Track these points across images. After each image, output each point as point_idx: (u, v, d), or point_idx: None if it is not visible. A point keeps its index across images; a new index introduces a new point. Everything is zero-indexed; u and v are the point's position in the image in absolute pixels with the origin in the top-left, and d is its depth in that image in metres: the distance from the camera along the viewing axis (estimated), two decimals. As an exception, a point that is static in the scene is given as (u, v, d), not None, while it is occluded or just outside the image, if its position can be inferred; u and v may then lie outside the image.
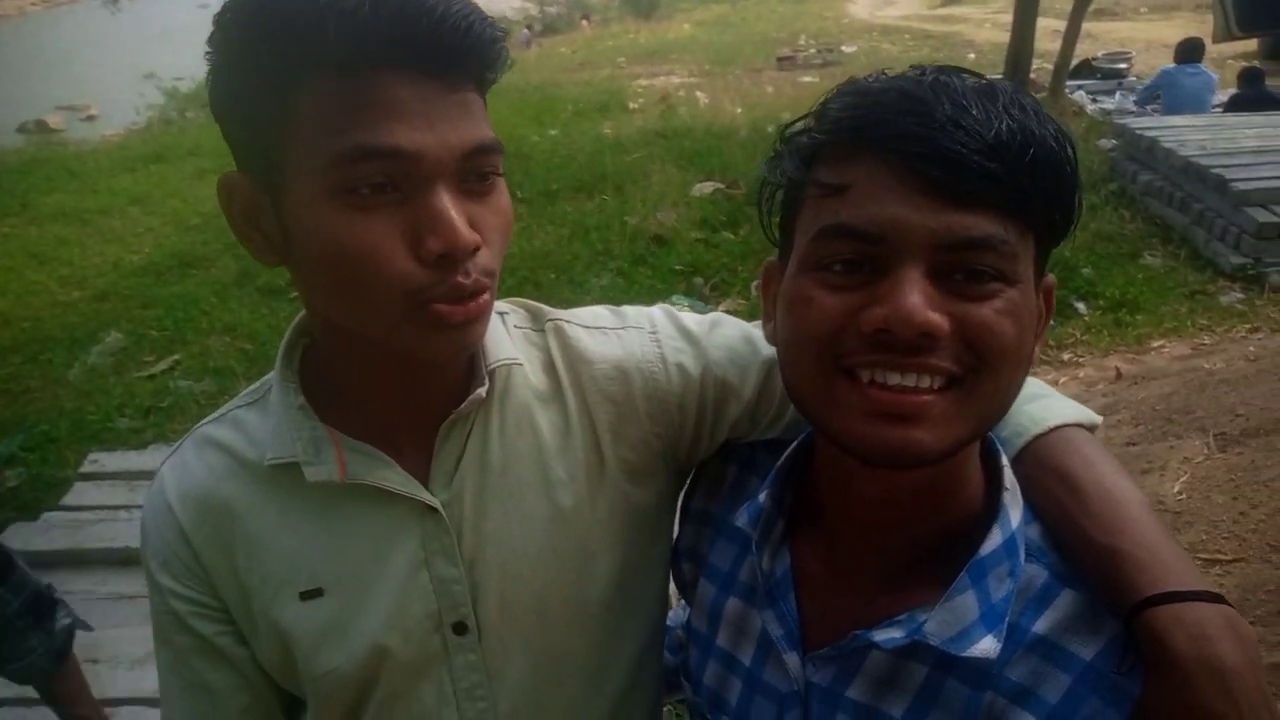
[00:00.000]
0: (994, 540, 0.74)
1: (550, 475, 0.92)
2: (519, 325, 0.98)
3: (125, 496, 3.69)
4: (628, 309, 1.01)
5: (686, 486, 1.04)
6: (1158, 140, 6.78)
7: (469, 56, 0.74)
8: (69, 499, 3.76)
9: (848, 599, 0.81)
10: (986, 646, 0.71)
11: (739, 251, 6.61)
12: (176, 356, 5.73)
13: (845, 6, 26.63)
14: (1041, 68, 11.09)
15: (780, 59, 15.70)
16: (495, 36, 0.76)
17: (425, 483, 0.88)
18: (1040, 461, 0.81)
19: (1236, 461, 3.33)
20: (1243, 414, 3.61)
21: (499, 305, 0.97)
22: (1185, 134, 6.87)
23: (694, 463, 1.01)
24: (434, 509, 0.88)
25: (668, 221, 7.19)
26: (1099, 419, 0.88)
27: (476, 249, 0.75)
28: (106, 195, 9.29)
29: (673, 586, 1.07)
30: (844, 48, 17.30)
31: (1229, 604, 0.70)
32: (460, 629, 0.91)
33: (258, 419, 0.91)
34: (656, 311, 1.01)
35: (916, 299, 0.64)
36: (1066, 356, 5.12)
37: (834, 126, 0.70)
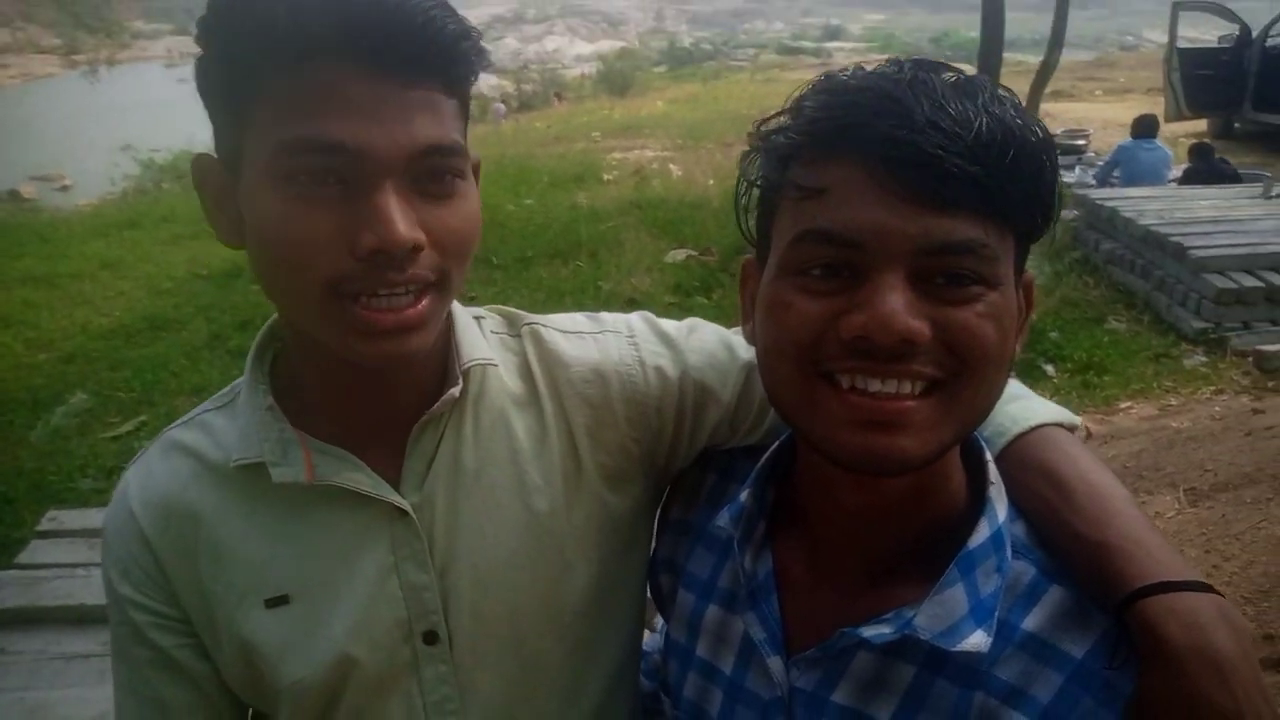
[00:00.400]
0: (982, 534, 0.73)
1: (526, 480, 0.91)
2: (495, 330, 0.97)
3: (84, 554, 3.57)
4: (605, 315, 1.01)
5: (664, 498, 1.02)
6: (1118, 210, 6.99)
7: (427, 52, 0.72)
8: (24, 557, 3.64)
9: (831, 600, 0.79)
10: (977, 641, 0.70)
11: (712, 316, 6.60)
12: (143, 418, 5.64)
13: (813, 87, 27.42)
14: (1003, 144, 11.45)
15: (751, 134, 16.07)
16: (461, 33, 0.75)
17: (396, 485, 0.86)
18: (1023, 459, 0.81)
19: (1207, 516, 3.35)
20: (1211, 469, 3.65)
21: (474, 310, 0.96)
22: (1144, 204, 7.10)
23: (673, 470, 1.00)
24: (404, 512, 0.86)
25: (642, 286, 7.28)
26: (1079, 420, 0.88)
27: (417, 248, 0.73)
28: (78, 260, 9.22)
29: (650, 608, 1.05)
30: (813, 125, 17.78)
31: (1219, 593, 0.69)
32: (431, 638, 0.88)
33: (226, 422, 0.89)
34: (634, 317, 1.01)
35: (896, 306, 0.63)
36: (1037, 417, 5.17)
37: (811, 128, 0.69)
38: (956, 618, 0.71)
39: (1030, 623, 0.72)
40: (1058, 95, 19.70)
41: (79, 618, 3.23)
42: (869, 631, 0.73)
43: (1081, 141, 11.31)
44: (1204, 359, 5.55)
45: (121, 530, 0.89)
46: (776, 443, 0.87)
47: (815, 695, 0.78)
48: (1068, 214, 8.03)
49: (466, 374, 0.89)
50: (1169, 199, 7.36)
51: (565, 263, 8.27)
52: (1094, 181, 8.85)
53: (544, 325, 0.97)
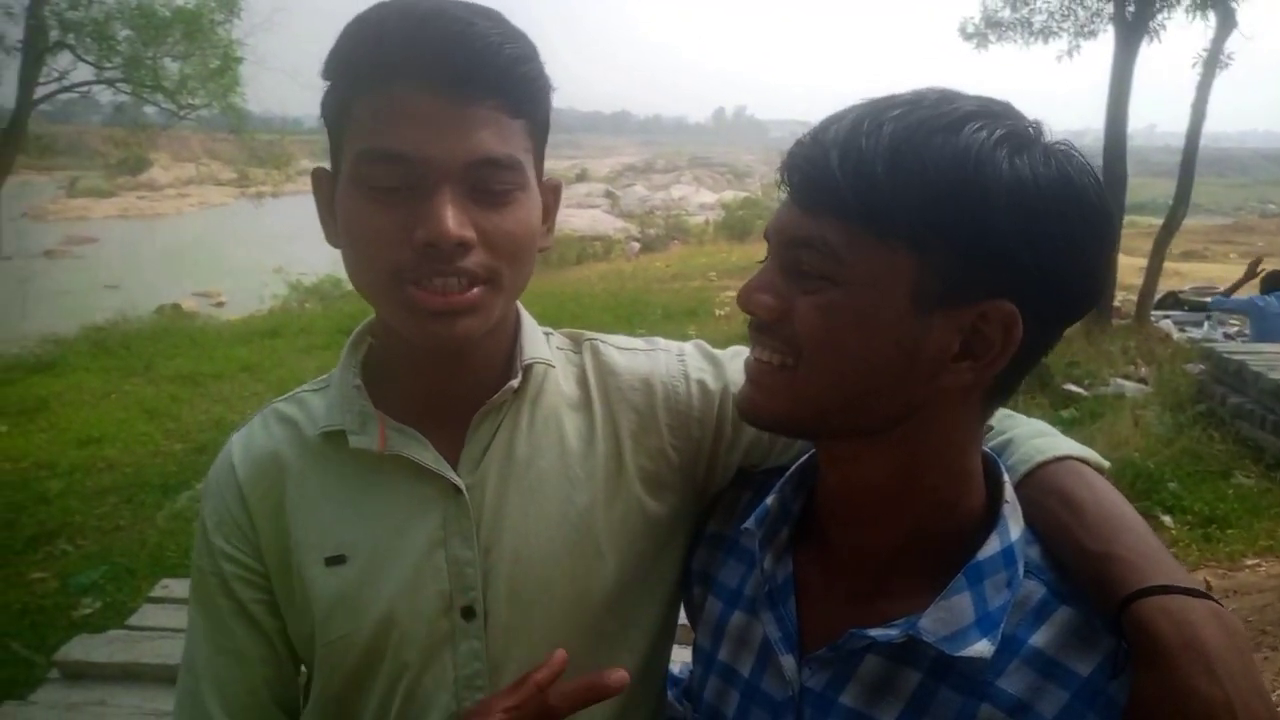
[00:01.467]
0: (992, 547, 0.76)
1: (571, 475, 0.99)
2: (560, 346, 1.08)
3: (186, 619, 3.75)
4: (660, 339, 1.12)
5: (703, 513, 1.07)
6: (1246, 364, 6.68)
7: (484, 74, 0.84)
8: (134, 620, 3.84)
9: (846, 607, 0.83)
10: (981, 649, 0.72)
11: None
12: (259, 506, 5.93)
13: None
14: (1125, 299, 11.20)
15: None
16: (519, 57, 0.86)
17: (454, 466, 0.96)
18: (1043, 484, 0.84)
19: (1336, 674, 3.08)
20: (1342, 627, 3.36)
21: (545, 326, 1.08)
22: (1274, 360, 6.77)
23: (712, 487, 1.06)
24: (459, 491, 0.95)
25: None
26: (1107, 464, 0.90)
27: (466, 245, 0.84)
28: (222, 362, 9.98)
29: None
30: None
31: (1217, 600, 0.70)
32: (468, 614, 0.95)
33: (319, 400, 1.02)
34: (687, 344, 1.11)
35: (755, 284, 0.78)
36: (1152, 568, 4.87)
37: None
38: (962, 625, 0.73)
39: (1038, 639, 0.74)
40: (1189, 256, 19.21)
41: (173, 678, 3.37)
42: (876, 632, 0.76)
43: (1209, 299, 10.97)
44: (1342, 520, 5.15)
45: (221, 485, 1.00)
46: (805, 456, 0.92)
47: (824, 696, 0.80)
48: (1192, 367, 7.73)
49: (527, 370, 0.99)
50: (1301, 355, 6.99)
51: (670, 389, 8.41)
52: (1220, 337, 8.52)
53: (603, 341, 1.08)
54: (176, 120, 11.25)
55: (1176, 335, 9.74)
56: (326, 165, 0.94)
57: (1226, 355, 7.06)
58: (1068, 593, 0.76)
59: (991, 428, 0.93)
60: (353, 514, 0.96)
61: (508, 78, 0.86)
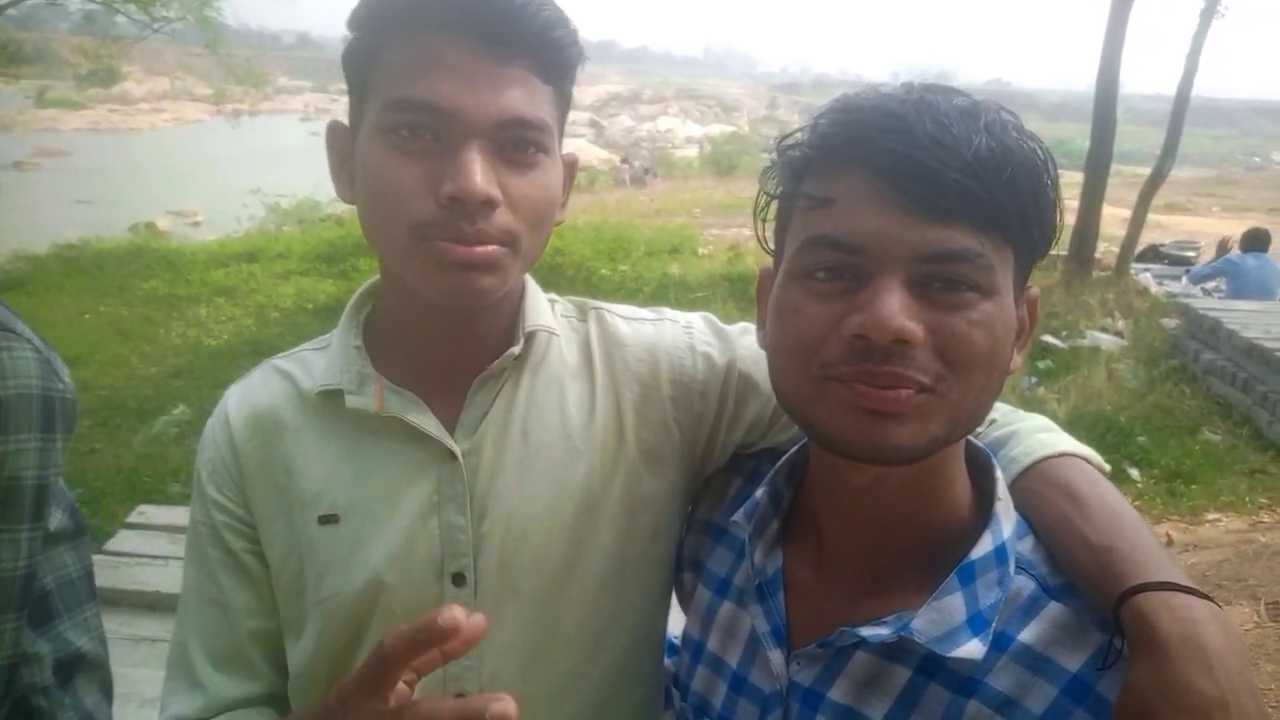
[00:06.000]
0: (985, 546, 0.75)
1: (570, 445, 0.97)
2: (565, 314, 1.06)
3: (165, 547, 3.77)
4: (667, 309, 1.10)
5: (694, 500, 1.06)
6: (1221, 321, 6.77)
7: (521, 32, 0.82)
8: (111, 545, 3.85)
9: (835, 602, 0.82)
10: (972, 649, 0.72)
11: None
12: (236, 433, 5.94)
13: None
14: (1107, 249, 11.23)
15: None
16: (556, 19, 0.84)
17: (452, 432, 0.95)
18: (1046, 477, 0.84)
19: (1287, 630, 3.19)
20: (1296, 584, 3.48)
21: (550, 295, 1.05)
22: (1249, 318, 6.85)
23: (710, 463, 1.05)
24: (454, 456, 0.93)
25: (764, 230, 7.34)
26: (1108, 467, 0.90)
27: (491, 204, 0.82)
28: (198, 285, 9.85)
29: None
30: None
31: (1218, 604, 0.71)
32: (459, 580, 0.94)
33: (319, 359, 1.01)
34: (695, 315, 1.09)
35: (893, 307, 0.67)
36: (1117, 520, 4.99)
37: (821, 142, 0.74)
38: (953, 625, 0.73)
39: (1027, 635, 0.73)
40: (1172, 208, 19.27)
41: (152, 604, 3.40)
42: (867, 631, 0.75)
43: (1190, 253, 11.06)
44: (1304, 478, 5.28)
45: (216, 435, 1.00)
46: (795, 447, 0.91)
47: (812, 691, 0.80)
48: (1168, 322, 7.82)
49: (530, 338, 0.97)
50: (1276, 314, 7.08)
51: (651, 327, 8.42)
52: (1198, 292, 8.60)
53: (609, 310, 1.06)
54: (149, 32, 10.89)
55: (1155, 289, 9.81)
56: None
57: (1202, 312, 7.14)
58: (1057, 588, 0.76)
59: (994, 420, 0.92)
60: (348, 474, 0.95)
61: (544, 39, 0.84)
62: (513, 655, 0.96)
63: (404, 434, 0.94)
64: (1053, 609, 0.75)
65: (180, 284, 9.92)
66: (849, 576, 0.82)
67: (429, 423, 0.93)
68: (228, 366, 7.33)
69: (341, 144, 0.92)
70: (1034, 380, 6.58)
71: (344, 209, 15.71)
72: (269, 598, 1.00)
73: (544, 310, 1.00)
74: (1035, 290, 0.77)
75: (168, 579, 3.47)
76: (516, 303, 0.98)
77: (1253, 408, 6.10)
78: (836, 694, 0.78)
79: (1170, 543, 4.49)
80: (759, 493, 0.87)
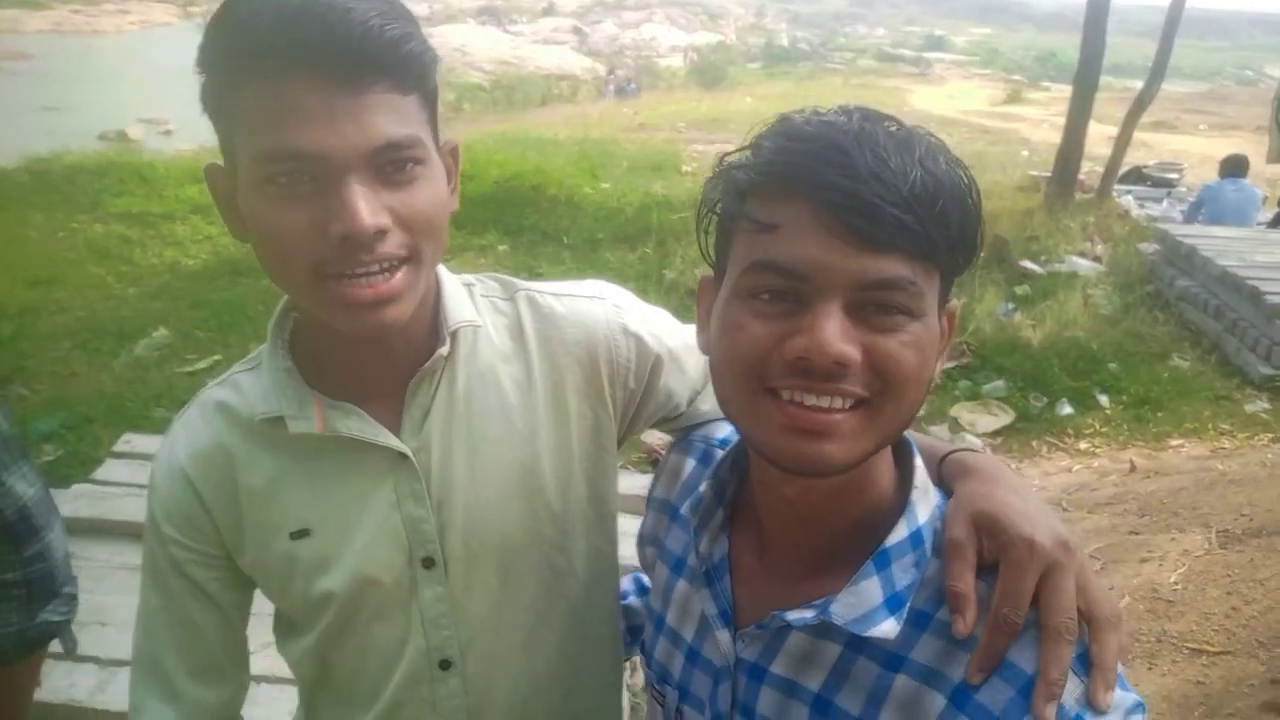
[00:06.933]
0: (899, 533, 0.81)
1: (511, 428, 1.03)
2: (486, 294, 1.08)
3: (150, 476, 3.83)
4: (594, 283, 1.14)
5: (653, 477, 1.13)
6: (1197, 248, 6.84)
7: (371, 58, 0.81)
8: (99, 474, 3.91)
9: (775, 585, 0.89)
10: (886, 628, 0.78)
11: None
12: (217, 356, 5.94)
13: (906, 96, 27.07)
14: (1092, 170, 11.20)
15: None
16: (402, 36, 0.82)
17: (398, 433, 0.99)
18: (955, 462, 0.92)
19: (1236, 559, 3.34)
20: (1248, 514, 3.62)
21: (465, 277, 1.08)
22: (1225, 244, 6.93)
23: (635, 429, 1.14)
24: (405, 456, 0.98)
25: (709, 246, 7.35)
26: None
27: (382, 232, 0.84)
28: (172, 202, 9.68)
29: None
30: (900, 134, 17.54)
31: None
32: (428, 563, 1.01)
33: (253, 381, 1.02)
34: (619, 293, 1.14)
35: (833, 332, 0.72)
36: (1083, 445, 5.13)
37: (767, 168, 0.76)
38: (869, 607, 0.79)
39: (944, 613, 0.79)
40: (1159, 126, 19.11)
41: (138, 533, 3.46)
42: (792, 615, 0.82)
43: (1174, 175, 11.04)
44: (1267, 405, 5.43)
45: (171, 479, 1.01)
46: (737, 440, 0.96)
47: (756, 665, 0.87)
48: (1146, 247, 7.87)
49: (454, 335, 1.00)
50: (1252, 241, 7.16)
51: (633, 248, 8.40)
52: (1179, 217, 8.63)
53: (538, 292, 1.10)
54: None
55: (1136, 212, 9.84)
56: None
57: (1179, 238, 7.20)
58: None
59: None
60: (307, 493, 1.00)
61: (394, 57, 0.83)
62: (484, 621, 1.05)
63: (353, 445, 0.98)
64: None
65: (155, 200, 9.75)
66: (787, 563, 0.89)
67: (376, 431, 0.97)
68: (206, 288, 7.30)
69: (223, 185, 0.91)
70: (1011, 307, 6.65)
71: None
72: (233, 614, 1.07)
73: (463, 305, 1.03)
74: (955, 304, 0.83)
75: (156, 508, 3.54)
76: (434, 302, 1.01)
77: (1222, 334, 6.23)
78: (778, 668, 0.86)
79: (1133, 469, 4.64)
80: (703, 486, 0.93)
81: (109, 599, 3.10)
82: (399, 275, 0.87)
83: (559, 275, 7.52)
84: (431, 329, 1.01)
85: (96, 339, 6.22)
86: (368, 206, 0.82)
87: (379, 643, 1.04)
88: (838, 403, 0.74)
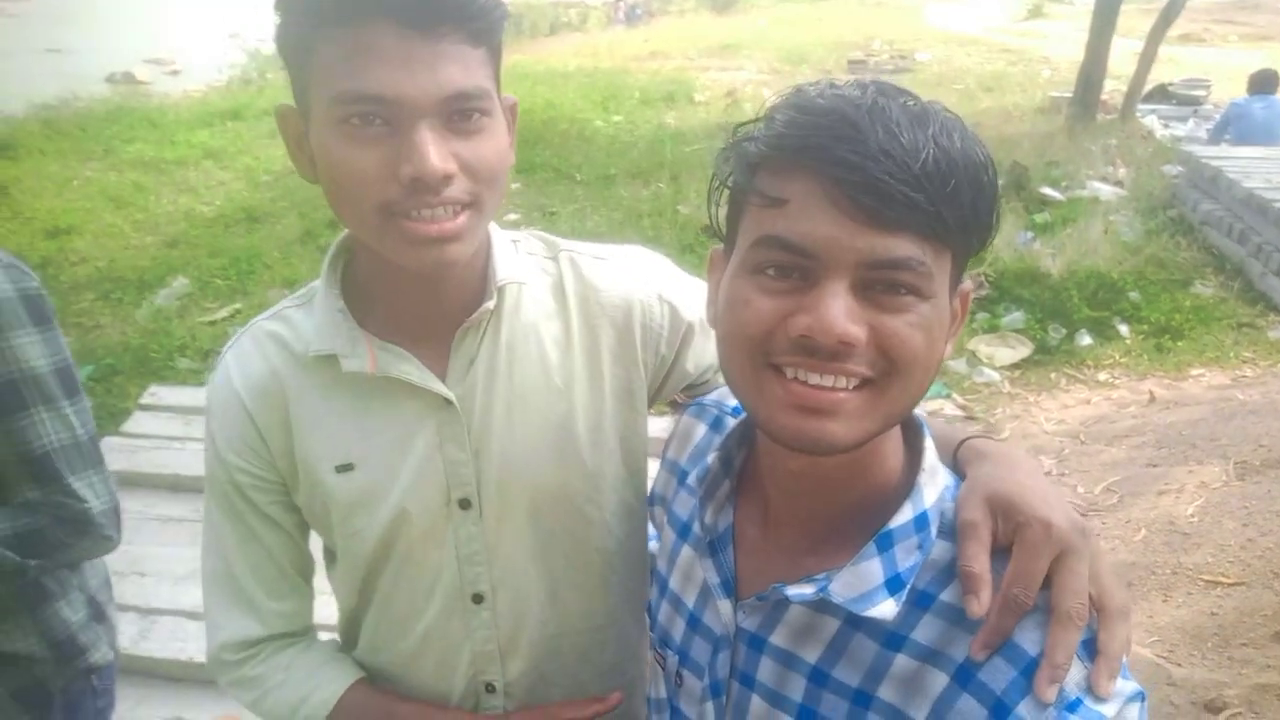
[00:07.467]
0: (904, 515, 0.82)
1: (549, 383, 1.08)
2: (531, 252, 1.13)
3: (180, 428, 3.91)
4: (633, 248, 1.18)
5: (668, 436, 1.15)
6: (1222, 170, 6.68)
7: (447, 10, 0.86)
8: (128, 426, 3.99)
9: (778, 558, 0.90)
10: (885, 609, 0.79)
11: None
12: (237, 305, 6.00)
13: (923, 13, 26.30)
14: (1116, 89, 10.91)
15: (851, 62, 15.59)
16: None
17: (443, 379, 1.05)
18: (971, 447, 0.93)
19: (1253, 490, 3.36)
20: (1266, 445, 3.63)
21: (512, 234, 1.13)
22: (1251, 165, 6.77)
23: (664, 393, 1.18)
24: (449, 401, 1.04)
25: (720, 214, 7.29)
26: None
27: (449, 177, 0.89)
28: (184, 147, 9.65)
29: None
30: (918, 55, 17.11)
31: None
32: (464, 504, 1.07)
33: (304, 317, 1.08)
34: (657, 260, 1.18)
35: (838, 311, 0.71)
36: (1103, 377, 5.12)
37: (778, 142, 0.75)
38: (869, 587, 0.80)
39: (948, 595, 0.80)
40: (1186, 39, 18.52)
41: (173, 485, 3.57)
42: (792, 591, 0.83)
43: (1200, 92, 10.74)
44: (1290, 332, 5.38)
45: (228, 407, 1.07)
46: (746, 414, 0.96)
47: (756, 636, 0.89)
48: (1169, 169, 7.71)
49: (501, 290, 1.05)
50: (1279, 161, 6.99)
51: (647, 183, 8.31)
52: (1205, 137, 8.42)
53: (580, 254, 1.14)
54: None
55: (1160, 133, 9.61)
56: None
57: (1204, 160, 7.04)
58: None
59: None
60: (354, 429, 1.05)
61: (469, 12, 0.88)
62: (515, 560, 1.11)
63: (399, 387, 1.03)
64: None
65: (166, 146, 9.71)
66: (791, 536, 0.89)
67: (419, 375, 1.03)
68: (223, 235, 7.32)
69: (293, 127, 0.96)
70: (1030, 236, 6.56)
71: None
72: (296, 535, 1.14)
73: (511, 262, 1.07)
74: (968, 285, 0.82)
75: (186, 460, 3.62)
76: (485, 254, 1.06)
77: (1246, 259, 6.13)
78: (777, 639, 0.87)
79: (1152, 400, 4.64)
80: (710, 457, 0.94)
81: (147, 550, 3.21)
82: (462, 217, 0.92)
83: (572, 214, 7.50)
84: (480, 282, 1.05)
85: (118, 289, 6.28)
86: (437, 151, 0.87)
87: (416, 575, 1.11)
88: (841, 382, 0.74)
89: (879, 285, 0.73)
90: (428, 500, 1.06)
